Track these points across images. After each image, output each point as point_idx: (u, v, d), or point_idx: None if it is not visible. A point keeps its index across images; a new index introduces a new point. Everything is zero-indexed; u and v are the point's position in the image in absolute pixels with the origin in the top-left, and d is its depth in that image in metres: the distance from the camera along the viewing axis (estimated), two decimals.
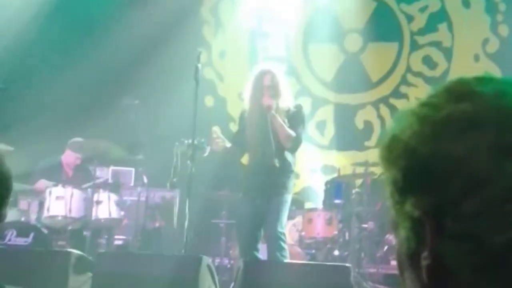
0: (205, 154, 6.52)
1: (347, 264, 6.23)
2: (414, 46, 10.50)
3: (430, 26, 10.42)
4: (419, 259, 0.90)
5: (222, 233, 8.61)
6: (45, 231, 7.44)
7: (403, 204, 0.91)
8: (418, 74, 10.43)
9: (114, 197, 7.90)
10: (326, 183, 8.73)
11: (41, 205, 7.75)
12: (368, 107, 10.46)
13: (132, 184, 8.86)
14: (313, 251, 8.41)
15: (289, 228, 8.02)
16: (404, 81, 10.46)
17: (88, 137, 8.11)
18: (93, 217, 7.65)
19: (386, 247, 8.25)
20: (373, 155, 9.25)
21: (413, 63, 10.47)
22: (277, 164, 6.34)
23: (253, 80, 6.47)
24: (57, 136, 8.43)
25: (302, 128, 6.56)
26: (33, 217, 7.85)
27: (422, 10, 10.48)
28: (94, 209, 7.67)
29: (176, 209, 8.21)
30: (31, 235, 7.28)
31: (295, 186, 6.95)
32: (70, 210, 7.62)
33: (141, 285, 5.48)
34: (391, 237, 7.91)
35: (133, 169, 8.96)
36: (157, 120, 9.38)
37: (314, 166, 9.81)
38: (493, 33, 10.26)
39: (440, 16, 10.42)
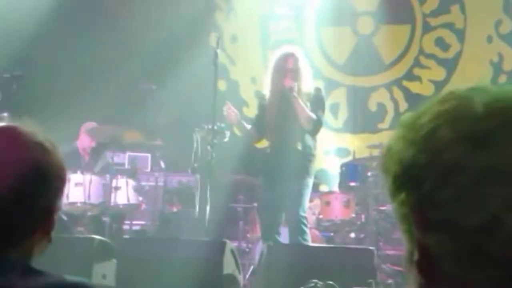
0: (226, 139, 6.53)
1: (370, 247, 6.26)
2: (427, 28, 10.44)
3: (443, 7, 10.36)
4: (413, 258, 0.98)
5: (239, 217, 8.65)
6: (65, 218, 7.46)
7: (397, 206, 0.99)
8: (430, 56, 10.39)
9: (132, 182, 7.93)
10: (342, 166, 8.74)
11: None
12: (381, 89, 10.44)
13: (149, 169, 8.88)
14: (331, 233, 8.44)
15: None
16: (416, 63, 10.42)
17: (103, 122, 8.12)
18: (112, 203, 7.69)
19: None
20: (387, 137, 9.22)
21: (426, 45, 10.43)
22: (299, 147, 6.36)
23: (275, 63, 6.47)
24: (72, 122, 8.43)
25: (322, 111, 6.57)
26: None
27: None
28: (112, 195, 7.70)
29: (197, 194, 8.22)
30: None
31: None
32: (89, 196, 7.65)
33: (166, 270, 5.49)
34: None
35: (149, 155, 8.97)
36: (173, 105, 9.36)
37: (327, 148, 9.82)
38: (506, 14, 10.20)
39: None
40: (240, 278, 5.76)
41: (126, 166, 8.54)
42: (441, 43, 10.38)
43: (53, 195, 1.65)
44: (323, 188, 9.31)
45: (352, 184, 8.39)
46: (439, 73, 10.30)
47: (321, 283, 4.98)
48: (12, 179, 1.54)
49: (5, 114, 6.71)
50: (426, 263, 0.96)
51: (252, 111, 8.96)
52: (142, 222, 8.59)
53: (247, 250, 8.45)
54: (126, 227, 8.26)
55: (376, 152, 8.44)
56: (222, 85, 10.39)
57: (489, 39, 10.24)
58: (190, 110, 8.95)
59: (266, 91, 6.69)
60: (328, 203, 8.24)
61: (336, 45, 10.54)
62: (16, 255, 1.61)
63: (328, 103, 10.27)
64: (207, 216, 6.33)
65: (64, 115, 8.53)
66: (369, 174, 8.42)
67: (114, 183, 7.73)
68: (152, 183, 8.45)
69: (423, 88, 10.26)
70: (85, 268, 5.74)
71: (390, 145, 1.00)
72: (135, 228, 8.43)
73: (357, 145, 9.72)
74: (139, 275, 5.48)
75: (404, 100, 10.30)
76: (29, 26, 9.13)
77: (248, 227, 8.65)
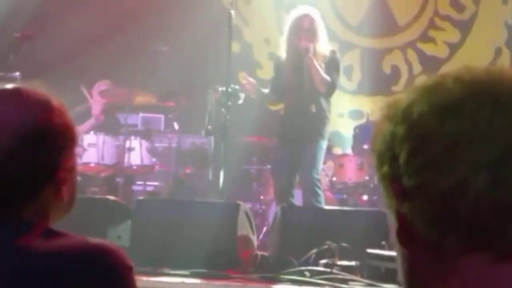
0: (240, 101, 6.50)
1: (383, 210, 6.25)
2: None
3: None
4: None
5: (253, 179, 8.67)
6: (79, 178, 7.48)
7: (381, 182, 1.04)
8: (445, 18, 10.29)
9: (145, 143, 7.92)
10: (355, 128, 8.74)
11: None
12: (395, 51, 10.36)
13: (162, 130, 8.88)
14: (344, 196, 8.45)
15: None
16: (431, 25, 10.33)
17: (116, 84, 8.09)
18: (125, 164, 7.70)
19: None
20: None
21: (441, 6, 10.31)
22: (313, 110, 6.33)
23: (291, 23, 6.42)
24: (84, 84, 8.40)
25: (337, 74, 6.53)
26: None
27: None
28: (126, 156, 7.71)
29: (210, 156, 8.21)
30: None
31: None
32: (102, 157, 7.66)
33: (181, 232, 5.49)
34: None
35: (162, 116, 8.95)
36: (186, 66, 9.31)
37: (341, 110, 9.79)
38: None
39: None
40: (254, 239, 5.77)
41: (139, 127, 8.54)
42: (456, 5, 10.27)
43: (55, 152, 1.66)
44: (337, 150, 9.30)
45: (366, 146, 8.36)
46: (454, 35, 10.21)
47: (334, 245, 4.98)
48: (9, 138, 1.58)
49: (17, 73, 6.70)
50: (404, 232, 1.01)
51: (265, 73, 8.92)
52: (156, 183, 8.62)
53: (261, 211, 8.48)
54: (139, 188, 8.28)
55: None
56: (235, 46, 10.30)
57: (505, 1, 10.12)
58: (203, 71, 8.90)
59: (280, 53, 6.65)
60: (341, 166, 8.25)
61: (350, 7, 10.42)
62: (29, 216, 1.62)
63: (342, 65, 10.24)
64: (221, 178, 6.33)
65: (75, 76, 8.51)
66: None
67: (127, 144, 7.73)
68: (166, 145, 8.46)
69: (437, 50, 10.18)
70: (100, 229, 5.74)
71: (377, 125, 1.05)
72: (148, 189, 8.46)
73: (371, 107, 9.66)
74: (154, 236, 5.49)
75: (418, 63, 10.23)
76: None
77: (262, 189, 8.67)
